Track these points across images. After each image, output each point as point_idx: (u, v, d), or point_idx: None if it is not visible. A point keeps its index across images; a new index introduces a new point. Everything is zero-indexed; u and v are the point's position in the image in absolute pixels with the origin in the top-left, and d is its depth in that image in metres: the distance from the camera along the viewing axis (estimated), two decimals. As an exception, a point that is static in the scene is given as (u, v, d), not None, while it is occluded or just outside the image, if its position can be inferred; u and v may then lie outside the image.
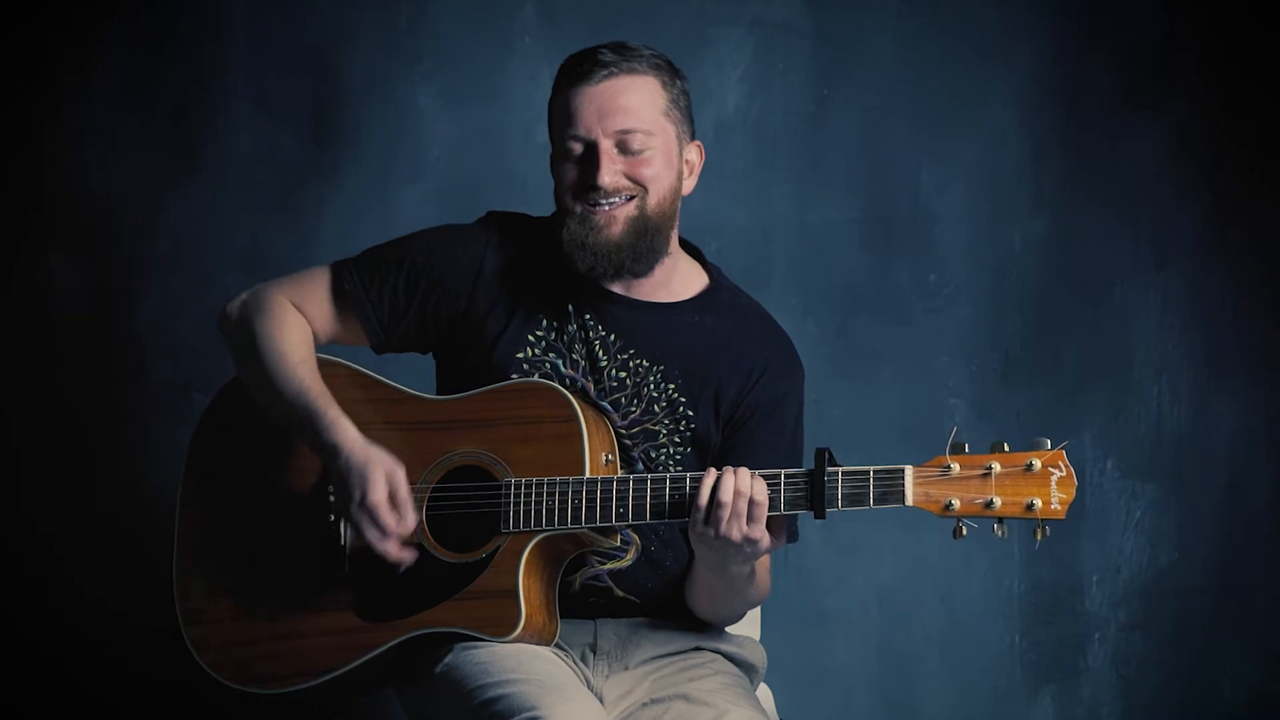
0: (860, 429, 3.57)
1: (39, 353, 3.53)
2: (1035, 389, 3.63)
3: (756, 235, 3.61)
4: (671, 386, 2.59)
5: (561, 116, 2.56)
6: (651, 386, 2.59)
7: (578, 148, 2.54)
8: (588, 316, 2.60)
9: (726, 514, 2.36)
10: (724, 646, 2.65)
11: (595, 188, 2.52)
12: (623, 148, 2.53)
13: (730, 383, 2.60)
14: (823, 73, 3.62)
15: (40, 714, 3.51)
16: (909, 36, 3.62)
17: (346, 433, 2.50)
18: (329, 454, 2.50)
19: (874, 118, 3.62)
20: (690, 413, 2.59)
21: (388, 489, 2.47)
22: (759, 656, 2.70)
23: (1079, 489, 2.35)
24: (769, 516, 2.38)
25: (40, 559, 3.51)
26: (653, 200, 2.55)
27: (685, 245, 2.69)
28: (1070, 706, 3.62)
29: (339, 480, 2.50)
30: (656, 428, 2.59)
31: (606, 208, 2.54)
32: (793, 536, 2.60)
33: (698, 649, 2.63)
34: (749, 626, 2.80)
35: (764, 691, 2.79)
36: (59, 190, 3.54)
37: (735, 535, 2.37)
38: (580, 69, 2.55)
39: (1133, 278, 3.63)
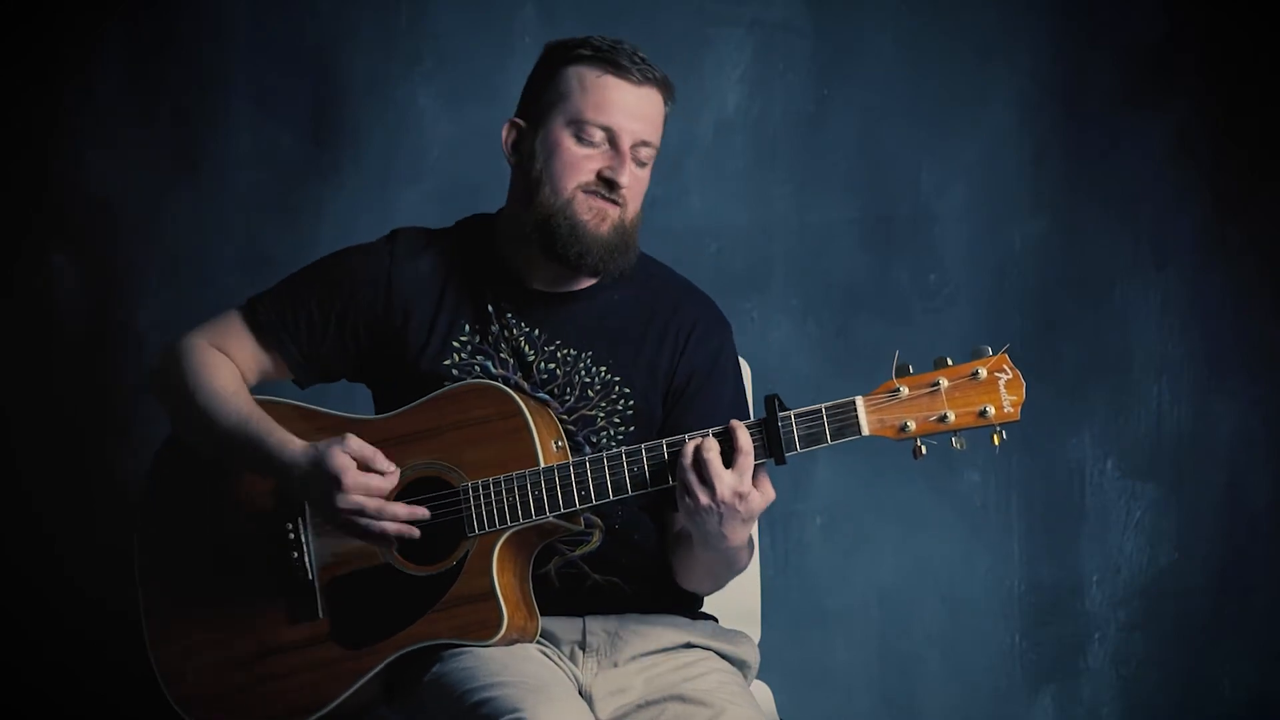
0: (860, 429, 3.56)
1: (39, 353, 3.53)
2: (1035, 389, 3.62)
3: (756, 235, 3.61)
4: (603, 369, 2.59)
5: (592, 98, 2.54)
6: (583, 373, 2.59)
7: (598, 135, 2.54)
8: (509, 315, 2.60)
9: (714, 471, 2.35)
10: (716, 644, 2.64)
11: (615, 185, 2.53)
12: (634, 155, 2.55)
13: (661, 353, 2.61)
14: (823, 73, 3.62)
15: (40, 714, 3.51)
16: (909, 36, 3.62)
17: (292, 446, 2.49)
18: (283, 475, 2.50)
19: (874, 118, 3.62)
20: (627, 390, 2.59)
21: (355, 463, 2.45)
22: (751, 653, 2.69)
23: (1079, 488, 2.35)
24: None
25: (40, 559, 3.51)
26: (631, 213, 2.57)
27: None
28: (1070, 706, 3.62)
29: (306, 494, 2.50)
30: (593, 413, 2.59)
31: (605, 204, 2.54)
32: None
33: (689, 646, 2.62)
34: (747, 625, 2.79)
35: (764, 691, 2.79)
36: (60, 191, 3.54)
37: (726, 494, 2.36)
38: (620, 62, 2.54)
39: (1133, 278, 3.63)
